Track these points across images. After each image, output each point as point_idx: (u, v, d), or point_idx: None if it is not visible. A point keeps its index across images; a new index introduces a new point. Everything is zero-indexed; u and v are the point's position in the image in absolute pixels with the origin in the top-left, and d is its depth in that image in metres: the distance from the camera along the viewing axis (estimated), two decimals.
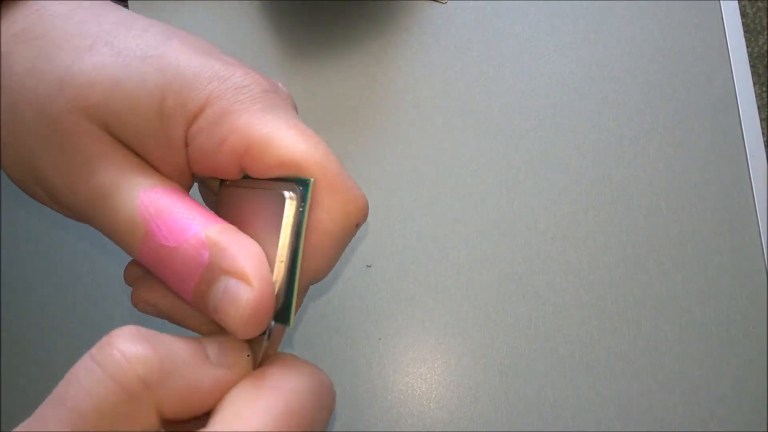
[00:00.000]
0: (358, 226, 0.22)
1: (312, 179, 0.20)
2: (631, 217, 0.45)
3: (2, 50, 0.21)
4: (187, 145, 0.22)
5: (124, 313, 0.44)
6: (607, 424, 0.41)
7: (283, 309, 0.21)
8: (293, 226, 0.20)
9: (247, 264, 0.19)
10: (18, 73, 0.21)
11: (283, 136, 0.21)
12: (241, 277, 0.19)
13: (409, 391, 0.42)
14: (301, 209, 0.20)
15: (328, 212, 0.21)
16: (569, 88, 0.49)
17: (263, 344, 0.21)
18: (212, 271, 0.20)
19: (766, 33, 1.27)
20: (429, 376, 0.43)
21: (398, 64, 0.50)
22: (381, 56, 0.50)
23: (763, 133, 0.48)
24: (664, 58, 0.49)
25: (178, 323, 0.24)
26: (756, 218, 0.45)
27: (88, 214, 0.21)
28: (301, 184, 0.21)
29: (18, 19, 0.21)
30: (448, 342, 0.43)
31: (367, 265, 0.45)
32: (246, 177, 0.22)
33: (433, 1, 0.52)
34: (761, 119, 0.56)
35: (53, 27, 0.21)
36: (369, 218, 0.46)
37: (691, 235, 0.45)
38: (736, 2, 0.51)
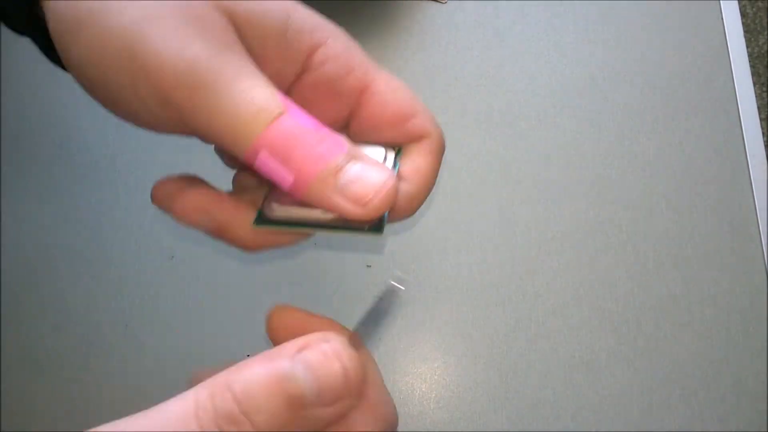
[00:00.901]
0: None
1: (401, 147, 0.24)
2: (631, 217, 0.45)
3: None
4: (304, 71, 0.23)
5: (125, 313, 0.44)
6: (607, 424, 0.41)
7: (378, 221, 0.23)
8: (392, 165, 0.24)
9: (378, 162, 0.22)
10: None
11: (401, 87, 0.24)
12: (378, 165, 0.22)
13: (409, 391, 0.42)
14: (395, 161, 0.24)
15: (425, 165, 0.25)
16: (569, 88, 0.49)
17: None
18: (351, 153, 0.21)
19: (766, 33, 1.27)
20: (429, 376, 0.43)
21: (398, 64, 0.50)
22: (381, 56, 0.50)
23: (763, 133, 0.48)
24: (664, 58, 0.49)
25: (223, 234, 0.24)
26: (756, 218, 0.45)
27: (204, 93, 0.20)
28: (389, 149, 0.24)
29: None
30: (448, 342, 0.43)
31: (367, 265, 0.45)
32: None
33: (433, 1, 0.52)
34: (761, 119, 0.56)
35: None
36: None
37: (691, 235, 0.45)
38: (736, 2, 0.51)
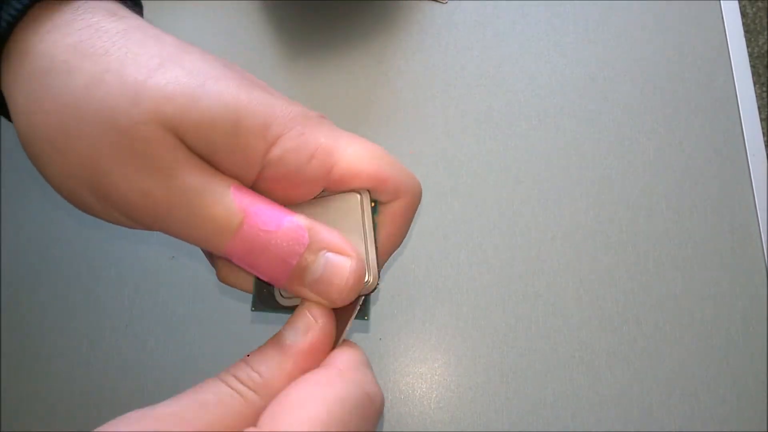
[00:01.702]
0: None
1: (368, 189, 0.24)
2: (631, 217, 0.45)
3: (60, 59, 0.21)
4: (263, 168, 0.23)
5: (125, 312, 0.44)
6: (608, 423, 0.41)
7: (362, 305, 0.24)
8: (370, 220, 0.25)
9: (341, 241, 0.23)
10: (81, 85, 0.21)
11: (368, 155, 0.24)
12: (341, 251, 0.23)
13: (410, 391, 0.42)
14: (372, 206, 0.25)
15: (394, 229, 0.26)
16: (569, 88, 0.49)
17: (350, 320, 0.24)
18: (313, 248, 0.22)
19: (766, 33, 1.27)
20: (429, 376, 0.43)
21: (398, 64, 0.50)
22: (381, 56, 0.50)
23: (763, 133, 0.48)
24: (664, 58, 0.49)
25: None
26: (756, 218, 0.45)
27: (164, 216, 0.22)
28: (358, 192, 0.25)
29: (71, 31, 0.22)
30: (448, 342, 0.43)
31: None
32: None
33: (433, 1, 0.52)
34: (761, 119, 0.56)
35: (115, 44, 0.22)
36: None
37: (691, 235, 0.45)
38: (736, 2, 0.51)
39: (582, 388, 0.42)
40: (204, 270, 0.45)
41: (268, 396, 0.21)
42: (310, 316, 0.23)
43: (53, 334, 0.44)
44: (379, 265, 0.25)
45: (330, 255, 0.23)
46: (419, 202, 0.26)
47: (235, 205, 0.22)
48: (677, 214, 0.45)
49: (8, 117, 0.25)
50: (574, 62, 0.50)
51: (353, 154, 0.24)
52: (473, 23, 0.51)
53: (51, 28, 0.22)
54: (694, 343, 0.43)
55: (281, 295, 0.25)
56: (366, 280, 0.24)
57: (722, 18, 0.50)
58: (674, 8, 0.51)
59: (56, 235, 0.46)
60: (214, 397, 0.21)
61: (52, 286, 0.45)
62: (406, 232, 0.27)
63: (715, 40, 0.50)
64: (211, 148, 0.22)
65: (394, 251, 0.27)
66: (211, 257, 0.28)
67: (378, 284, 0.25)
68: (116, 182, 0.21)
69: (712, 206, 0.45)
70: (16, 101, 0.22)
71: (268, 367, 0.22)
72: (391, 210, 0.25)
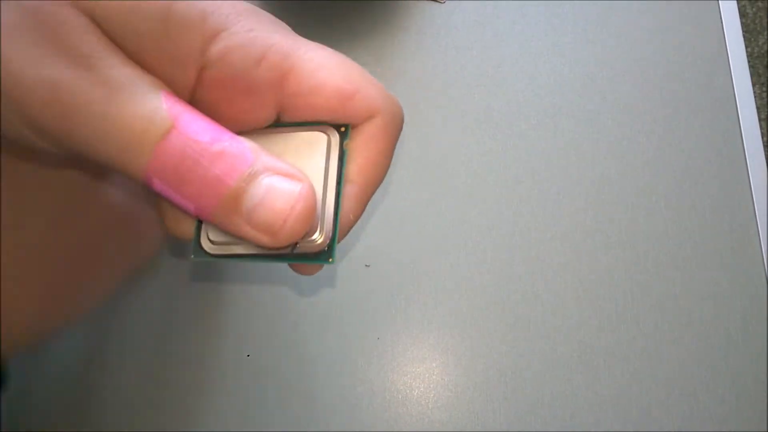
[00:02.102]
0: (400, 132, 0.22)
1: (349, 125, 0.20)
2: (630, 217, 0.45)
3: None
4: (203, 68, 0.19)
5: (125, 312, 0.44)
6: (607, 424, 0.41)
7: (326, 246, 0.20)
8: (338, 164, 0.20)
9: (290, 167, 0.19)
10: None
11: (333, 63, 0.20)
12: (289, 176, 0.18)
13: (408, 391, 0.42)
14: (342, 130, 0.20)
15: (373, 152, 0.21)
16: (569, 88, 0.49)
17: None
18: (255, 170, 0.18)
19: (766, 33, 1.27)
20: (427, 376, 0.43)
21: (398, 64, 0.50)
22: (380, 56, 0.50)
23: (762, 133, 0.48)
24: (664, 58, 0.49)
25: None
26: (756, 218, 0.45)
27: (74, 117, 0.17)
28: (335, 128, 0.20)
29: None
30: (447, 342, 0.43)
31: (366, 265, 0.45)
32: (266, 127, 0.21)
33: (432, 1, 0.52)
34: (761, 119, 0.56)
35: None
36: (368, 218, 0.46)
37: (691, 235, 0.45)
38: (736, 2, 0.51)
39: (581, 388, 0.42)
40: (204, 269, 0.45)
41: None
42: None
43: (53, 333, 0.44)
44: (338, 228, 0.20)
45: (275, 178, 0.18)
46: (400, 127, 0.22)
47: (165, 107, 0.18)
48: (676, 214, 0.45)
49: None
50: (573, 62, 0.50)
51: (315, 60, 0.20)
52: (472, 23, 0.51)
53: None
54: (694, 343, 0.43)
55: (208, 238, 0.20)
56: (314, 236, 0.19)
57: (721, 18, 0.50)
58: (673, 8, 0.51)
59: None
60: None
61: None
62: (385, 167, 0.22)
63: (714, 40, 0.50)
64: (136, 41, 0.18)
65: (371, 193, 0.21)
66: (160, 204, 0.22)
67: (331, 254, 0.20)
68: (19, 70, 0.17)
69: (711, 206, 0.45)
70: None
71: None
72: (365, 132, 0.21)
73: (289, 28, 0.21)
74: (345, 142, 0.20)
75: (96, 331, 0.44)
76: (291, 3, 0.52)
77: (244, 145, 0.18)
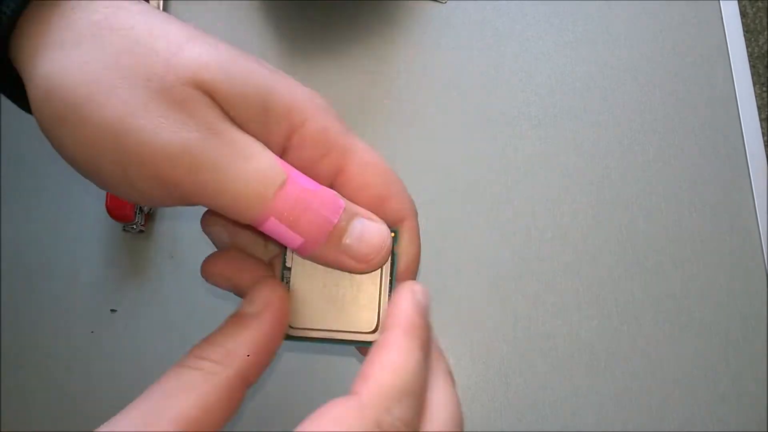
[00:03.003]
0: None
1: (398, 230, 0.25)
2: (631, 217, 0.45)
3: (88, 32, 0.21)
4: (285, 151, 0.23)
5: (125, 312, 0.44)
6: (607, 423, 0.41)
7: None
8: (390, 264, 0.25)
9: (369, 211, 0.24)
10: (112, 53, 0.21)
11: (378, 169, 0.25)
12: (372, 218, 0.24)
13: None
14: (393, 253, 0.25)
15: (413, 248, 0.27)
16: (569, 88, 0.49)
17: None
18: (349, 212, 0.23)
19: (766, 33, 1.27)
20: None
21: (398, 64, 0.50)
22: (380, 56, 0.50)
23: (763, 133, 0.48)
24: (664, 58, 0.49)
25: (242, 294, 0.26)
26: (756, 218, 0.45)
27: (202, 171, 0.21)
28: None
29: (94, 9, 0.21)
30: (448, 342, 0.43)
31: None
32: None
33: (433, 1, 0.52)
34: (761, 119, 0.56)
35: (139, 22, 0.21)
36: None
37: (691, 235, 0.45)
38: (736, 2, 0.51)
39: (582, 388, 0.42)
40: None
41: (234, 364, 0.21)
42: (264, 287, 0.23)
43: (53, 333, 0.44)
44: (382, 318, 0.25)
45: (365, 219, 0.23)
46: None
47: (278, 163, 0.22)
48: (677, 214, 0.45)
49: (11, 97, 0.24)
50: (574, 62, 0.50)
51: (361, 161, 0.24)
52: (473, 23, 0.51)
53: (74, 6, 0.21)
54: (694, 343, 0.43)
55: (286, 266, 0.25)
56: (372, 326, 0.24)
57: (722, 18, 0.50)
58: (674, 8, 0.51)
59: (57, 234, 0.46)
60: (177, 383, 0.20)
61: (52, 286, 0.45)
62: (419, 261, 0.27)
63: (715, 40, 0.50)
64: (243, 119, 0.22)
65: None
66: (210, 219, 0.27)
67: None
68: (152, 134, 0.20)
69: (712, 206, 0.45)
70: (35, 71, 0.21)
71: (229, 339, 0.21)
72: (405, 235, 0.26)
73: (343, 123, 0.25)
74: (395, 246, 0.25)
75: (96, 331, 0.44)
76: (291, 3, 0.52)
77: (335, 193, 0.23)
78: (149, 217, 0.46)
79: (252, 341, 0.22)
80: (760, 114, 0.48)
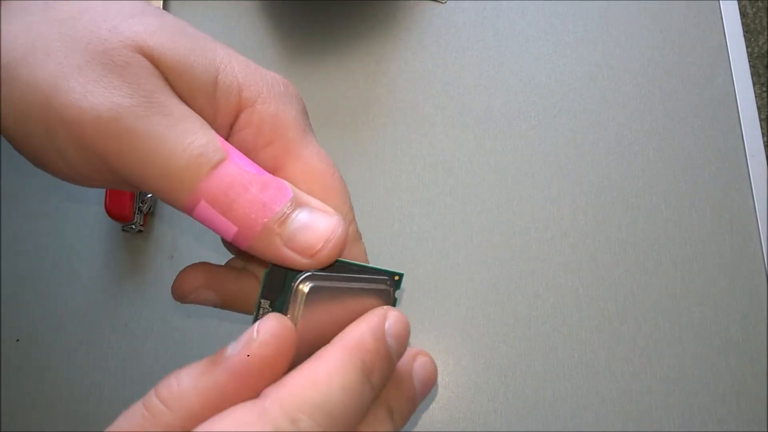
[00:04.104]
0: None
1: (403, 274, 0.23)
2: (631, 217, 0.45)
3: (39, 3, 0.20)
4: (230, 132, 0.22)
5: (124, 312, 0.44)
6: (607, 423, 0.41)
7: None
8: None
9: (324, 205, 0.21)
10: (56, 18, 0.20)
11: (322, 176, 0.23)
12: (324, 210, 0.21)
13: None
14: (394, 298, 0.23)
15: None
16: (569, 88, 0.49)
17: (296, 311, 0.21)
18: (295, 202, 0.20)
19: (766, 33, 1.27)
20: None
21: (398, 64, 0.50)
22: (381, 56, 0.50)
23: (763, 133, 0.48)
24: (664, 58, 0.49)
25: (229, 307, 0.24)
26: (756, 218, 0.45)
27: (132, 140, 0.19)
28: (389, 276, 0.23)
29: None
30: (448, 342, 0.43)
31: None
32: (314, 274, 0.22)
33: (432, 1, 0.52)
34: (761, 119, 0.56)
35: None
36: (369, 218, 0.46)
37: (691, 235, 0.45)
38: (736, 2, 0.51)
39: (581, 388, 0.42)
40: None
41: (179, 412, 0.18)
42: (254, 328, 0.19)
43: (53, 334, 0.44)
44: None
45: (314, 210, 0.21)
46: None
47: (218, 141, 0.20)
48: (677, 214, 0.45)
49: None
50: (574, 62, 0.50)
51: (309, 167, 0.22)
52: (473, 23, 0.51)
53: None
54: (694, 343, 0.43)
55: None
56: None
57: (722, 18, 0.50)
58: (674, 8, 0.51)
59: (56, 234, 0.46)
60: (128, 423, 0.18)
61: (52, 286, 0.45)
62: None
63: (715, 40, 0.50)
64: (189, 92, 0.21)
65: None
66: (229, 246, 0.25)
67: None
68: (80, 97, 0.19)
69: (712, 206, 0.45)
70: None
71: (190, 378, 0.18)
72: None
73: (306, 119, 0.23)
74: (395, 291, 0.23)
75: (96, 331, 0.44)
76: (291, 3, 0.52)
77: (284, 181, 0.21)
78: (148, 217, 0.46)
79: (211, 391, 0.18)
80: (760, 114, 0.48)
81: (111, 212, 0.43)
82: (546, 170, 0.47)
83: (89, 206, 0.47)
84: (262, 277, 0.22)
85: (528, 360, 0.42)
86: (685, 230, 0.45)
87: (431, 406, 0.42)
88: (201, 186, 0.19)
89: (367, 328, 0.20)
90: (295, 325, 0.20)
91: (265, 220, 0.20)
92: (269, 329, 0.19)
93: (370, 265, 0.23)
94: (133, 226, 0.44)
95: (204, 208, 0.20)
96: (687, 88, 0.48)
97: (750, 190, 0.46)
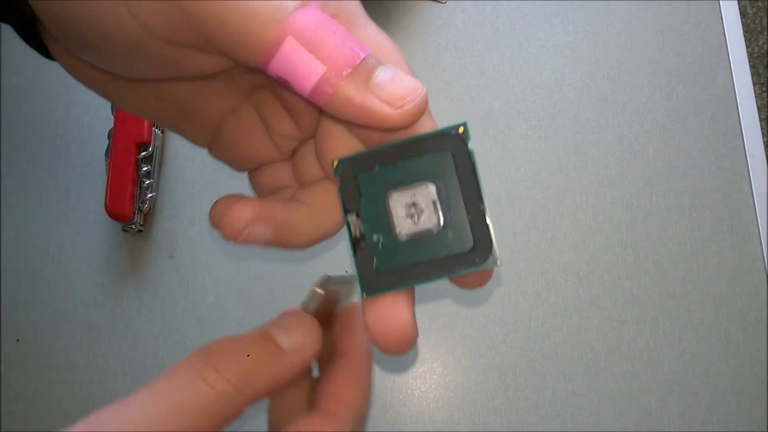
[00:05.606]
0: None
1: (466, 122, 0.21)
2: (631, 217, 0.45)
3: None
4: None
5: (124, 312, 0.44)
6: (607, 424, 0.41)
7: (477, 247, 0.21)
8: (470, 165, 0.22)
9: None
10: None
11: (385, 46, 0.21)
12: (407, 70, 0.20)
13: (409, 392, 0.42)
14: (469, 150, 0.22)
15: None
16: (569, 88, 0.49)
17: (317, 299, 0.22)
18: (375, 59, 0.19)
19: (766, 33, 1.27)
20: (428, 376, 0.43)
21: None
22: None
23: (763, 133, 0.48)
24: (664, 58, 0.49)
25: (282, 240, 0.23)
26: (756, 218, 0.45)
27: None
28: (453, 129, 0.21)
29: None
30: (448, 342, 0.43)
31: None
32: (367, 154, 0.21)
33: (432, 1, 0.52)
34: (761, 119, 0.56)
35: None
36: None
37: (691, 235, 0.45)
38: (736, 2, 0.51)
39: (581, 388, 0.42)
40: (203, 269, 0.45)
41: (246, 395, 0.19)
42: (301, 325, 0.21)
43: (53, 334, 0.44)
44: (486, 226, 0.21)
45: (398, 71, 0.19)
46: None
47: None
48: (677, 214, 0.45)
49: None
50: (573, 62, 0.50)
51: (377, 33, 0.21)
52: (473, 23, 0.51)
53: None
54: (694, 343, 0.43)
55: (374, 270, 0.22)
56: (490, 257, 0.21)
57: (722, 18, 0.50)
58: (674, 8, 0.51)
59: (56, 234, 0.46)
60: (190, 399, 0.19)
61: (52, 286, 0.45)
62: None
63: (715, 40, 0.50)
64: None
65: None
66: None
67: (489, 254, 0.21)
68: None
69: (712, 206, 0.45)
70: None
71: (252, 363, 0.20)
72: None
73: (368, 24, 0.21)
74: (468, 143, 0.21)
75: (97, 331, 0.44)
76: None
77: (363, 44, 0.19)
78: (148, 217, 0.46)
79: (275, 376, 0.20)
80: (760, 114, 0.48)
81: (111, 212, 0.43)
82: (546, 170, 0.47)
83: (89, 206, 0.47)
84: (338, 192, 0.21)
85: (527, 360, 0.42)
86: (685, 230, 0.45)
87: (430, 407, 0.42)
88: (290, 20, 0.18)
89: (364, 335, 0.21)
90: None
91: (357, 61, 0.19)
92: (312, 327, 0.21)
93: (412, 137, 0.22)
94: (133, 226, 0.44)
95: (290, 47, 0.18)
96: (687, 88, 0.48)
97: (750, 190, 0.46)
